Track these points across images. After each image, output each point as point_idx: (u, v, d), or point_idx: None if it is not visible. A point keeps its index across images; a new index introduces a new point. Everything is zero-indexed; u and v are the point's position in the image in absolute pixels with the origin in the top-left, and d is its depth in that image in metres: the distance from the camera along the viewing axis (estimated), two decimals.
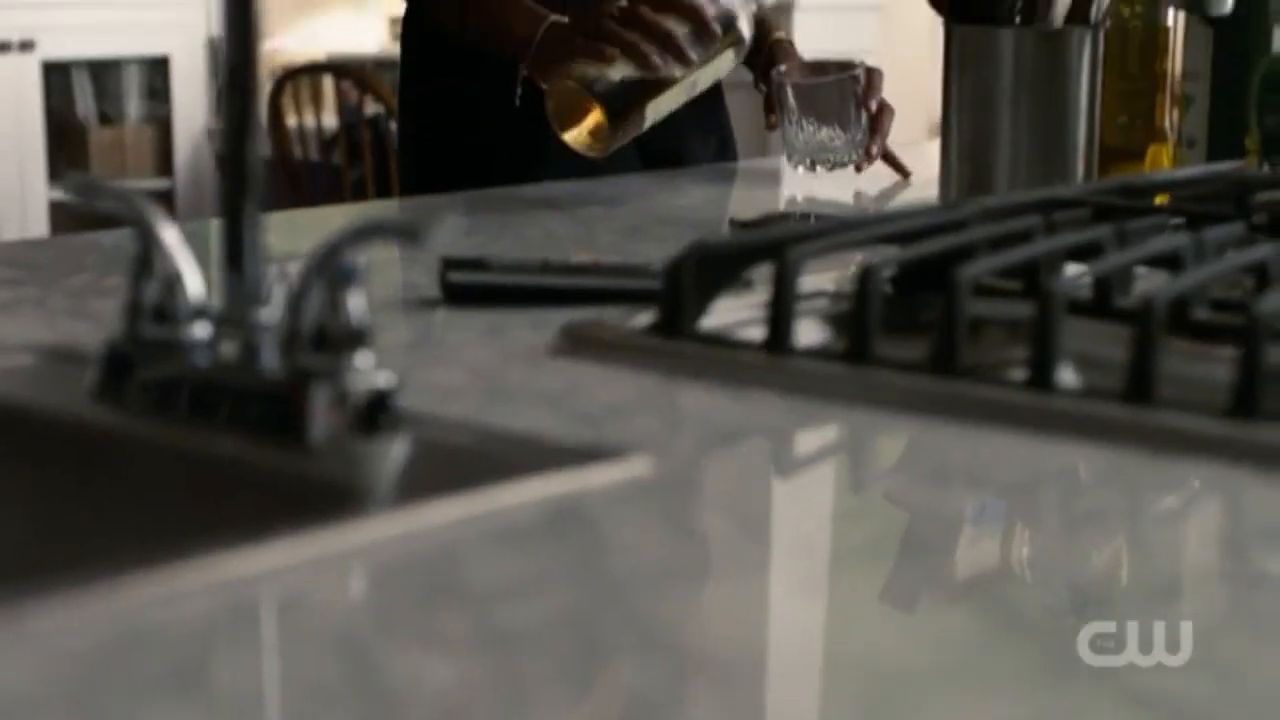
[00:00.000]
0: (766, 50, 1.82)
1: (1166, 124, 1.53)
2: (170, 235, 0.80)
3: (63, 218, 5.01)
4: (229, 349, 0.79)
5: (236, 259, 0.78)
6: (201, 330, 0.79)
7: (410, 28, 1.85)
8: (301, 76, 4.87)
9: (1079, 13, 1.43)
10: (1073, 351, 0.89)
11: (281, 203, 4.97)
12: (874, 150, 1.74)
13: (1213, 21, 1.46)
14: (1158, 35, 1.52)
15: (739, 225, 1.40)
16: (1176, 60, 1.52)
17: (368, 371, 0.75)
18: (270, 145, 4.90)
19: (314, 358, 0.75)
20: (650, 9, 1.58)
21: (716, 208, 1.59)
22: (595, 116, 1.56)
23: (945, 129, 1.44)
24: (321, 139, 4.83)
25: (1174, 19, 1.52)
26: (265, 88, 5.08)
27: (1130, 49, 1.53)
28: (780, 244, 0.93)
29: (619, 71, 1.56)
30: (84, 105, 5.19)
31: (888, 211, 1.12)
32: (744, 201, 1.71)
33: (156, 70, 5.24)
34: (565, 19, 1.62)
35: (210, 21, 5.28)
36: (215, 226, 0.81)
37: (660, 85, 1.58)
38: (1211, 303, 0.94)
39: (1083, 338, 0.90)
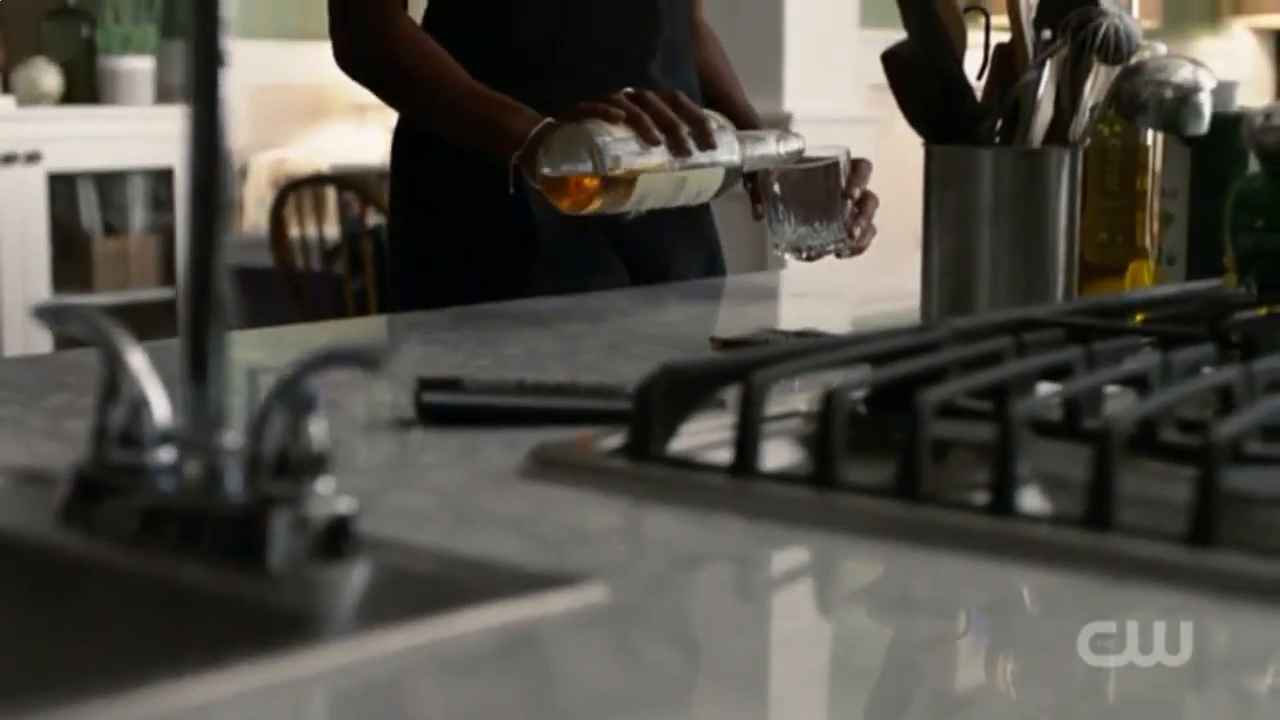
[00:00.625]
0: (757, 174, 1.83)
1: (1147, 241, 1.54)
2: (137, 359, 0.81)
3: None
4: (194, 471, 0.79)
5: (200, 381, 0.79)
6: (166, 455, 0.80)
7: (401, 133, 1.87)
8: (304, 187, 4.91)
9: (1057, 132, 1.45)
10: (1043, 473, 0.90)
11: (283, 313, 4.99)
12: (858, 235, 1.75)
13: (1190, 141, 1.48)
14: (1137, 154, 1.54)
15: (719, 344, 1.41)
16: (1156, 178, 1.53)
17: (329, 497, 0.76)
18: (273, 256, 4.93)
19: (275, 484, 0.75)
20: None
21: (700, 325, 1.60)
22: (586, 173, 1.57)
23: (926, 247, 1.45)
24: (324, 250, 4.85)
25: (1153, 138, 1.53)
26: (268, 199, 5.12)
27: (1110, 167, 1.54)
28: (747, 367, 0.94)
29: (621, 133, 1.57)
30: (89, 216, 5.22)
31: (861, 333, 1.13)
32: (730, 318, 1.72)
33: (161, 181, 5.28)
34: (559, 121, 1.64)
35: None
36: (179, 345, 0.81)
37: (655, 167, 1.59)
38: (1179, 423, 0.94)
39: (1053, 459, 0.91)
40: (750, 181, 1.77)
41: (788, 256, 1.74)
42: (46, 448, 1.03)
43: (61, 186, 5.06)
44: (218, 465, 0.78)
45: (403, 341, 1.49)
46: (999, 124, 1.46)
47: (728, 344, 1.40)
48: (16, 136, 4.83)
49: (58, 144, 4.91)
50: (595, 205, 1.58)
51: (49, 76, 5.07)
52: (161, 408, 0.80)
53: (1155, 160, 1.53)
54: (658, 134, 1.59)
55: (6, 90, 4.97)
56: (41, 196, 4.91)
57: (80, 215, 5.22)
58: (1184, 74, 1.42)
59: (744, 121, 1.83)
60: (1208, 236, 1.44)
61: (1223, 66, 5.13)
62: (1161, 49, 1.52)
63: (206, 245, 0.80)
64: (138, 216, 5.33)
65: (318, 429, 0.75)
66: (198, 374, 0.79)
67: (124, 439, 0.81)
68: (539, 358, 1.37)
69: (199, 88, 0.80)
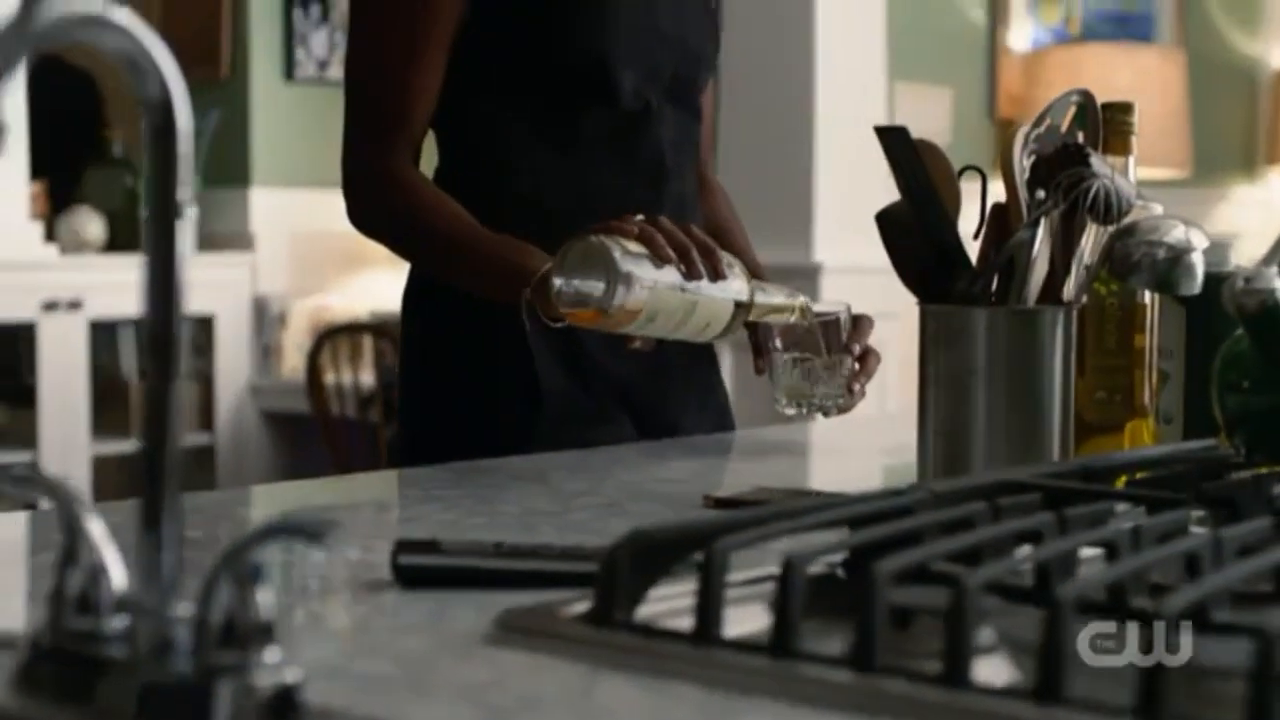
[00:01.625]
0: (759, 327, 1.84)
1: (1146, 400, 1.54)
2: (96, 527, 0.82)
3: (108, 472, 5.07)
4: (146, 638, 0.80)
5: (154, 549, 0.80)
6: (120, 621, 0.81)
7: (412, 286, 1.89)
8: (341, 335, 4.95)
9: (1052, 292, 1.45)
10: (1013, 640, 0.89)
11: (318, 460, 5.01)
12: (857, 391, 1.76)
13: (1184, 301, 1.48)
14: (1135, 313, 1.54)
15: (713, 502, 1.41)
16: (1154, 337, 1.54)
17: (276, 666, 0.76)
18: (309, 402, 4.96)
19: (222, 653, 0.76)
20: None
21: (703, 482, 1.60)
22: (599, 292, 1.58)
23: (921, 406, 1.46)
24: (359, 396, 4.89)
25: (1150, 297, 1.54)
26: (307, 345, 5.17)
27: (1108, 326, 1.55)
28: (714, 532, 0.94)
29: (635, 248, 1.58)
30: (128, 362, 5.28)
31: (840, 496, 1.13)
32: (732, 475, 1.73)
33: (201, 328, 5.34)
34: None
35: (255, 280, 5.39)
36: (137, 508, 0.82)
37: (667, 285, 1.60)
38: (1150, 588, 0.94)
39: (1024, 626, 0.90)
40: (753, 334, 1.78)
41: (788, 411, 1.75)
42: (21, 607, 1.04)
43: (102, 333, 5.12)
44: (168, 633, 0.78)
45: (401, 498, 1.50)
46: (994, 283, 1.47)
47: (720, 503, 1.41)
48: (59, 284, 4.90)
49: (99, 291, 4.97)
50: (606, 319, 1.59)
51: (92, 225, 5.15)
52: (118, 574, 0.81)
53: (1153, 319, 1.54)
54: (670, 253, 1.59)
55: (50, 239, 5.04)
56: (82, 343, 4.97)
57: (120, 361, 5.28)
58: (1176, 234, 1.43)
59: (753, 275, 1.85)
60: (1203, 396, 1.44)
61: (1259, 215, 5.14)
62: (1157, 209, 1.53)
63: (161, 412, 0.81)
64: None
65: (265, 598, 0.76)
66: (151, 540, 0.80)
67: (81, 604, 0.81)
68: (532, 516, 1.38)
69: (155, 242, 0.81)
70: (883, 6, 4.24)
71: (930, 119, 4.47)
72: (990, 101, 4.71)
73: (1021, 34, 4.80)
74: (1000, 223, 1.50)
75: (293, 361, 5.41)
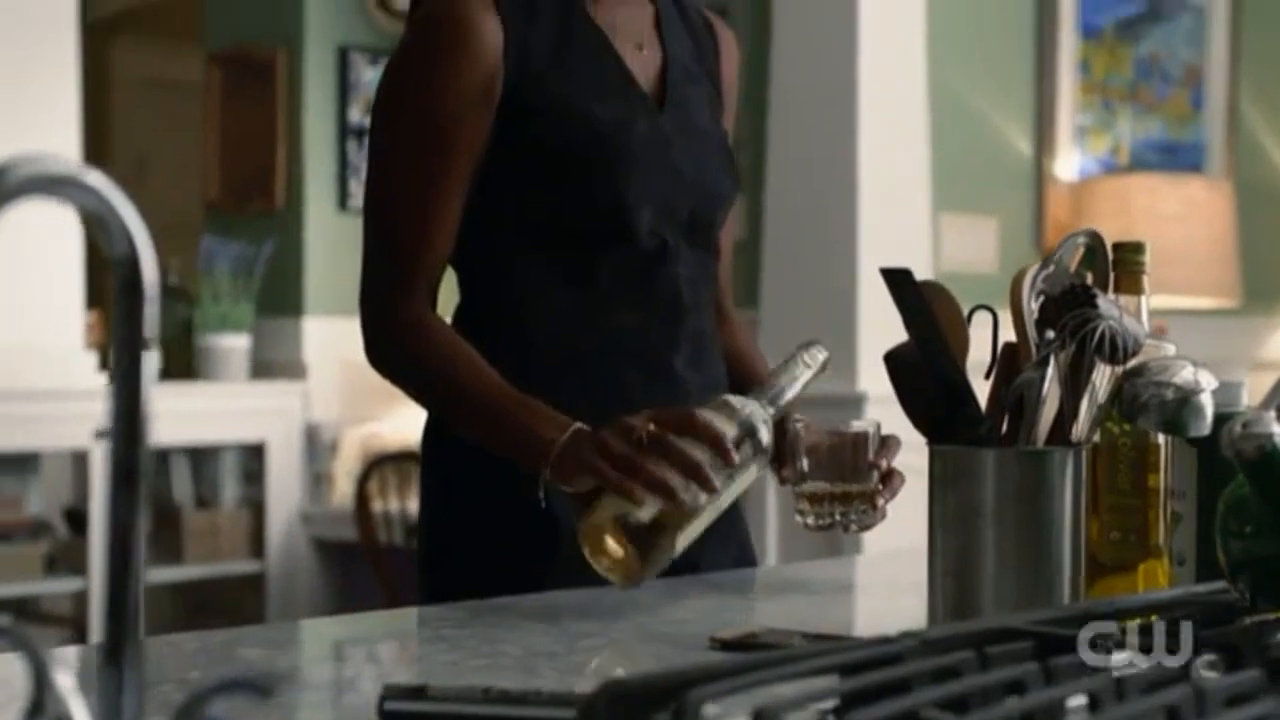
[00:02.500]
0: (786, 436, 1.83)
1: (1160, 540, 1.53)
2: (64, 679, 0.83)
3: (160, 598, 5.09)
4: None
5: (115, 692, 0.80)
6: None
7: (431, 423, 1.90)
8: (389, 463, 4.97)
9: (1061, 432, 1.45)
10: None
11: (367, 588, 5.02)
12: (880, 506, 1.75)
13: (1195, 442, 1.47)
14: (1148, 452, 1.53)
15: (719, 643, 1.41)
16: (1168, 477, 1.53)
17: None
18: (357, 530, 4.98)
19: None
20: (673, 431, 1.60)
21: (715, 621, 1.60)
22: (626, 552, 1.59)
23: (930, 548, 1.45)
24: (406, 525, 4.90)
25: (1163, 437, 1.53)
26: (357, 473, 5.19)
27: (1121, 465, 1.54)
28: (693, 681, 0.94)
29: (648, 510, 1.59)
30: (181, 489, 5.32)
31: (832, 641, 1.12)
32: (745, 614, 1.72)
33: (253, 455, 5.38)
34: (588, 427, 1.66)
35: (307, 408, 5.43)
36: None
37: (688, 515, 1.61)
38: None
39: None
40: (779, 443, 1.78)
41: (809, 522, 1.75)
42: None
43: (154, 461, 5.16)
44: None
45: (409, 637, 1.50)
46: (1004, 424, 1.46)
47: (726, 644, 1.40)
48: None
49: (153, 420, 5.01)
50: (648, 574, 1.62)
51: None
52: None
53: (1167, 459, 1.53)
54: (684, 497, 1.58)
55: (104, 367, 5.10)
56: None
57: (172, 489, 5.32)
58: (1185, 375, 1.43)
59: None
60: (1215, 538, 1.43)
61: None
62: (1169, 349, 1.52)
63: (125, 556, 0.81)
64: (229, 490, 5.41)
65: None
66: (111, 682, 0.80)
67: None
68: (534, 658, 1.37)
69: (121, 385, 0.82)
70: (926, 137, 4.26)
71: (976, 249, 4.47)
72: (1037, 231, 4.72)
73: (1068, 164, 4.81)
74: (1011, 362, 1.50)
75: (344, 489, 5.43)
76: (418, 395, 1.83)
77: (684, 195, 1.87)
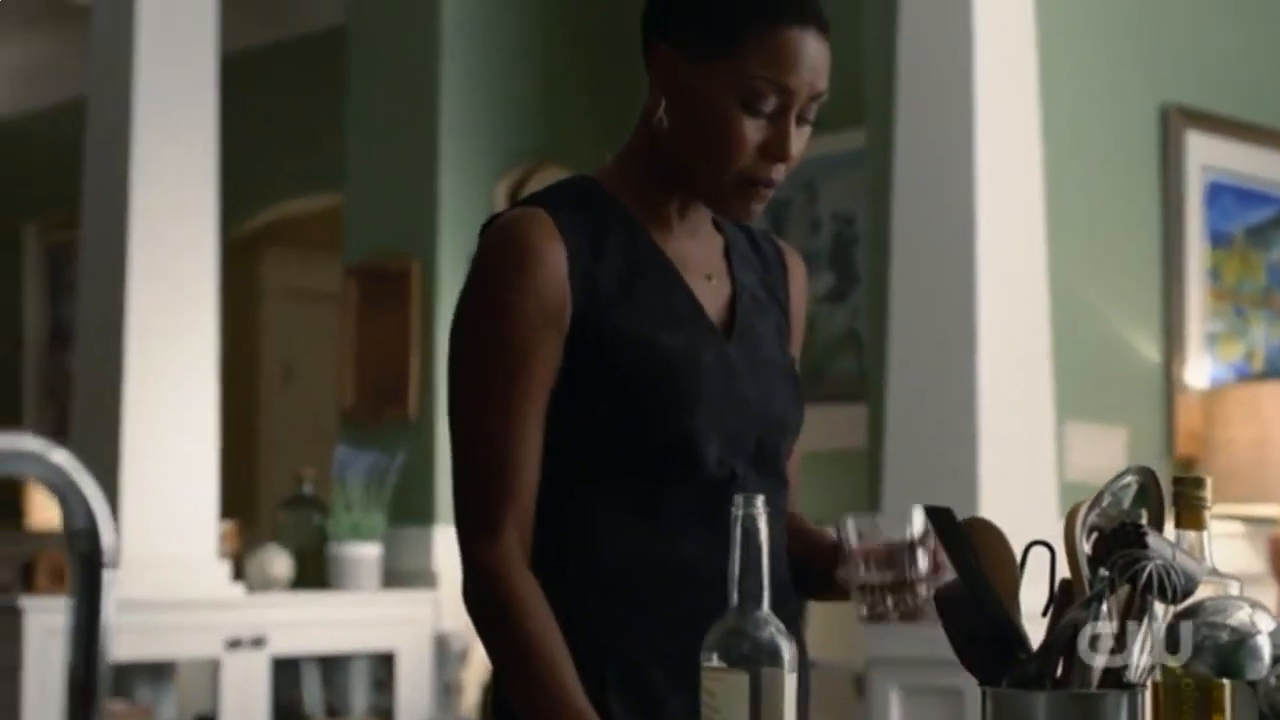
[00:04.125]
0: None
1: None
2: None
3: None
4: None
5: None
6: None
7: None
8: None
9: (1116, 674, 1.41)
10: None
11: None
12: (923, 594, 1.79)
13: (1255, 682, 1.43)
14: (1211, 692, 1.49)
15: None
16: (1234, 717, 1.48)
17: None
18: None
19: None
20: None
21: None
22: None
23: None
24: None
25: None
26: (485, 681, 5.18)
27: (1185, 706, 1.49)
28: None
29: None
30: (311, 698, 5.34)
31: None
32: None
33: (382, 664, 5.39)
34: None
35: (438, 617, 5.45)
36: None
37: None
38: None
39: None
40: (836, 541, 1.85)
41: (862, 612, 1.83)
42: None
43: (285, 670, 5.19)
44: None
45: None
46: (1059, 664, 1.43)
47: None
48: (244, 623, 5.00)
49: (283, 628, 5.06)
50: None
51: (280, 563, 5.26)
52: None
53: (1231, 699, 1.48)
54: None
55: (238, 576, 5.16)
56: (265, 680, 5.04)
57: (303, 698, 5.34)
58: (1240, 616, 1.39)
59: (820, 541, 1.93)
60: None
61: None
62: (1233, 587, 1.49)
63: None
64: (359, 699, 5.42)
65: None
66: None
67: None
68: None
69: (82, 651, 0.83)
70: (1049, 345, 4.23)
71: (1105, 458, 4.40)
72: (1168, 440, 4.64)
73: (1200, 371, 4.74)
74: (1067, 600, 1.47)
75: (473, 698, 5.42)
76: (489, 652, 1.83)
77: (751, 424, 1.87)
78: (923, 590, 1.80)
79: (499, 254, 1.84)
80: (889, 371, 4.27)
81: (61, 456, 0.81)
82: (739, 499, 1.54)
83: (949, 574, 1.77)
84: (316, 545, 5.41)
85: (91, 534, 0.82)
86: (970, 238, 4.12)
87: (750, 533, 1.55)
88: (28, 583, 4.58)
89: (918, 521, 1.78)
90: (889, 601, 1.80)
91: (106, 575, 0.83)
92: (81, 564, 0.82)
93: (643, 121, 1.91)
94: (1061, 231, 4.33)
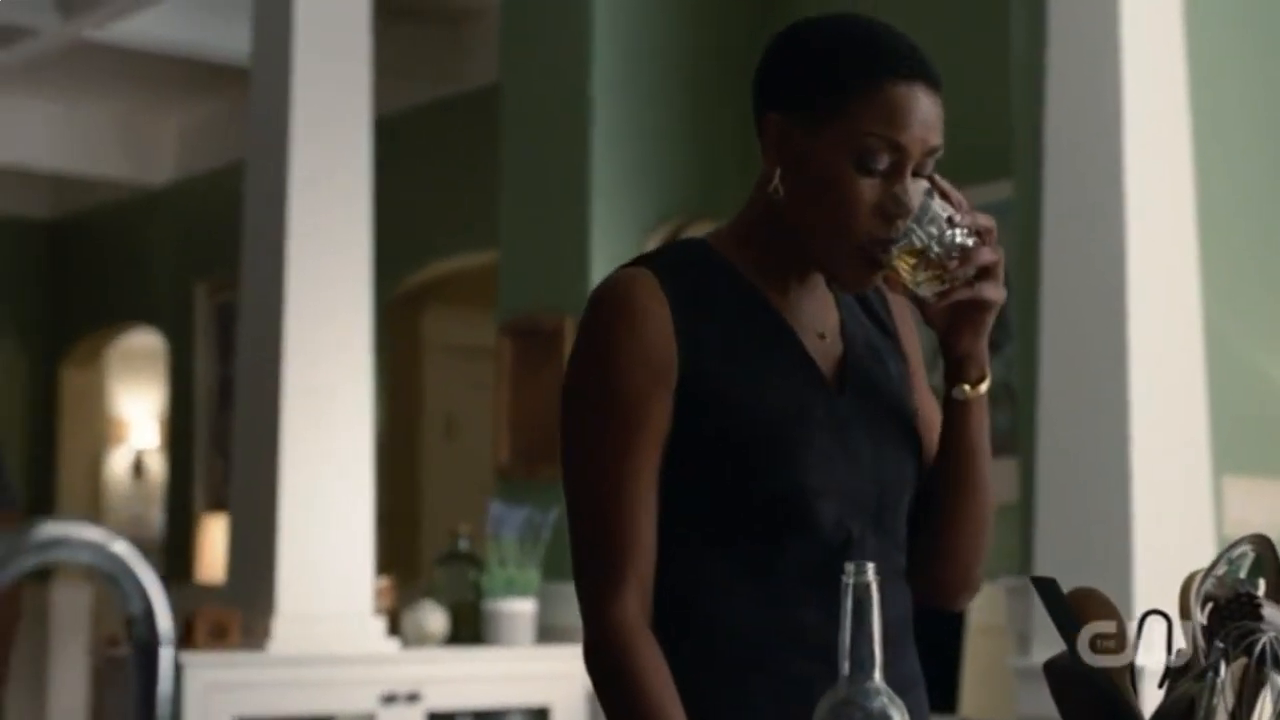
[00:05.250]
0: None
1: None
2: None
3: None
4: None
5: None
6: None
7: None
8: None
9: None
10: None
11: None
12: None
13: None
14: None
15: None
16: None
17: None
18: None
19: None
20: None
21: None
22: None
23: None
24: None
25: None
26: None
27: None
28: None
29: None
30: None
31: None
32: None
33: (537, 719, 5.40)
34: None
35: None
36: None
37: None
38: None
39: None
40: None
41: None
42: None
43: None
44: None
45: None
46: None
47: None
48: (399, 678, 5.04)
49: (438, 683, 5.09)
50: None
51: (435, 619, 5.30)
52: None
53: None
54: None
55: (394, 633, 5.21)
56: None
57: None
58: None
59: None
60: None
61: None
62: None
63: None
64: None
65: None
66: None
67: None
68: None
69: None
70: (1204, 396, 4.14)
71: (1267, 512, 4.30)
72: None
73: None
74: (1185, 671, 1.44)
75: None
76: (608, 714, 1.82)
77: (868, 480, 1.85)
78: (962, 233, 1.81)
79: (605, 314, 1.84)
80: (1039, 425, 4.21)
81: (121, 546, 0.83)
82: (849, 566, 1.52)
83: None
84: (472, 601, 5.44)
85: (149, 617, 0.83)
86: (1121, 287, 4.06)
87: (862, 600, 1.53)
88: (188, 638, 4.65)
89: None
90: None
91: (164, 654, 0.84)
92: (139, 649, 0.84)
93: (757, 190, 1.91)
94: (1216, 280, 4.25)
